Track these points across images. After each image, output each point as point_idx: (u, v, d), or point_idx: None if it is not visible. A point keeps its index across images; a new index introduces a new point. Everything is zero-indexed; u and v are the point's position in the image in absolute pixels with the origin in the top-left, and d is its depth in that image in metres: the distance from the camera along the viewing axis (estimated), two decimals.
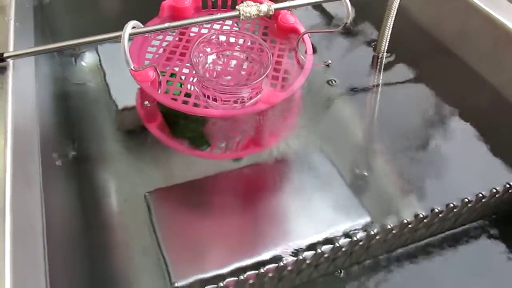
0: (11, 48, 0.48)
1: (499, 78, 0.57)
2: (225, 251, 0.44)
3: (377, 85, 0.59)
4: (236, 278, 0.40)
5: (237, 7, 0.49)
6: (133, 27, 0.46)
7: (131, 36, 0.46)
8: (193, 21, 0.48)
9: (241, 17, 0.49)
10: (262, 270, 0.40)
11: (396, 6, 0.56)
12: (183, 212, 0.49)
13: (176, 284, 0.41)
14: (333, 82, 0.59)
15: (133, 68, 0.45)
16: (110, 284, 0.44)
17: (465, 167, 0.51)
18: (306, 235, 0.45)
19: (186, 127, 0.53)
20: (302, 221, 0.47)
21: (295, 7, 0.52)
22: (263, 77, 0.48)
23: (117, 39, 0.45)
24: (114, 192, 0.50)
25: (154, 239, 0.45)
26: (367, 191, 0.49)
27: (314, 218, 0.47)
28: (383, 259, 0.46)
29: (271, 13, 0.50)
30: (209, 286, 0.40)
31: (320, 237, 0.44)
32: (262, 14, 0.50)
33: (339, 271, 0.44)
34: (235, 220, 0.47)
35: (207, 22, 0.49)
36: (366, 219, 0.47)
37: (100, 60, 0.62)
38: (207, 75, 0.51)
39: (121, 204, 0.49)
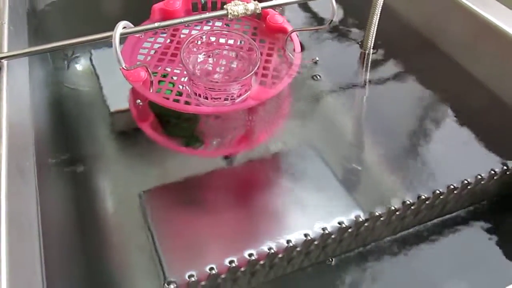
0: (5, 51, 0.49)
1: (481, 69, 0.59)
2: (219, 247, 0.45)
3: (364, 80, 0.61)
4: (228, 265, 0.41)
5: (225, 6, 0.51)
6: (124, 27, 0.47)
7: (123, 36, 0.47)
8: (182, 21, 0.49)
9: (229, 16, 0.50)
10: (253, 258, 0.41)
11: (381, 3, 0.57)
12: (177, 210, 0.49)
13: (169, 279, 0.42)
14: (318, 77, 0.60)
15: (124, 67, 0.47)
16: (105, 283, 0.45)
17: (452, 155, 0.52)
18: (298, 228, 0.45)
19: (179, 126, 0.54)
20: (293, 216, 0.47)
21: (281, 5, 0.53)
22: (251, 73, 0.49)
23: (109, 39, 0.46)
24: (109, 192, 0.50)
25: (148, 238, 0.45)
26: (356, 184, 0.50)
27: (305, 212, 0.47)
28: (373, 248, 0.46)
29: (258, 11, 0.51)
30: (193, 271, 0.40)
31: (310, 229, 0.45)
32: (249, 13, 0.51)
33: (330, 259, 0.45)
34: (229, 216, 0.48)
35: (195, 21, 0.50)
36: (356, 212, 0.47)
37: (93, 64, 0.63)
38: (198, 73, 0.52)
39: (116, 204, 0.49)
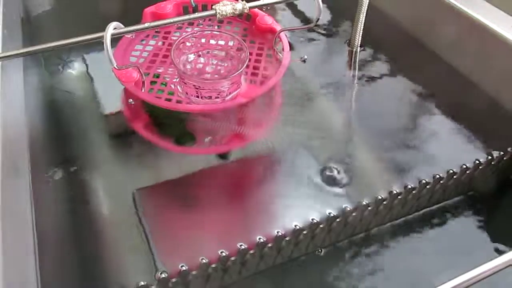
0: None
1: (466, 65, 0.60)
2: (210, 239, 0.45)
3: (353, 77, 0.62)
4: (218, 255, 0.41)
5: (213, 6, 0.52)
6: (115, 28, 0.48)
7: (114, 36, 0.48)
8: (172, 21, 0.50)
9: (218, 16, 0.51)
10: (243, 247, 0.41)
11: (367, 2, 0.58)
12: (169, 207, 0.50)
13: (161, 269, 0.42)
14: (306, 74, 0.61)
15: (116, 67, 0.48)
16: (98, 278, 0.45)
17: (438, 147, 0.53)
18: (287, 219, 0.46)
19: (171, 125, 0.55)
20: (283, 208, 0.48)
21: (268, 5, 0.54)
22: (241, 70, 0.50)
23: (101, 39, 0.47)
24: (103, 191, 0.51)
25: (142, 234, 0.46)
26: (345, 176, 0.51)
27: (294, 204, 0.48)
28: (362, 238, 0.47)
29: (246, 11, 0.52)
30: (184, 261, 0.41)
31: (299, 219, 0.45)
32: (237, 12, 0.52)
33: (320, 250, 0.46)
34: (220, 212, 0.49)
35: (185, 21, 0.51)
36: (345, 202, 0.47)
37: (87, 69, 0.64)
38: (188, 72, 0.53)
39: (110, 203, 0.50)
